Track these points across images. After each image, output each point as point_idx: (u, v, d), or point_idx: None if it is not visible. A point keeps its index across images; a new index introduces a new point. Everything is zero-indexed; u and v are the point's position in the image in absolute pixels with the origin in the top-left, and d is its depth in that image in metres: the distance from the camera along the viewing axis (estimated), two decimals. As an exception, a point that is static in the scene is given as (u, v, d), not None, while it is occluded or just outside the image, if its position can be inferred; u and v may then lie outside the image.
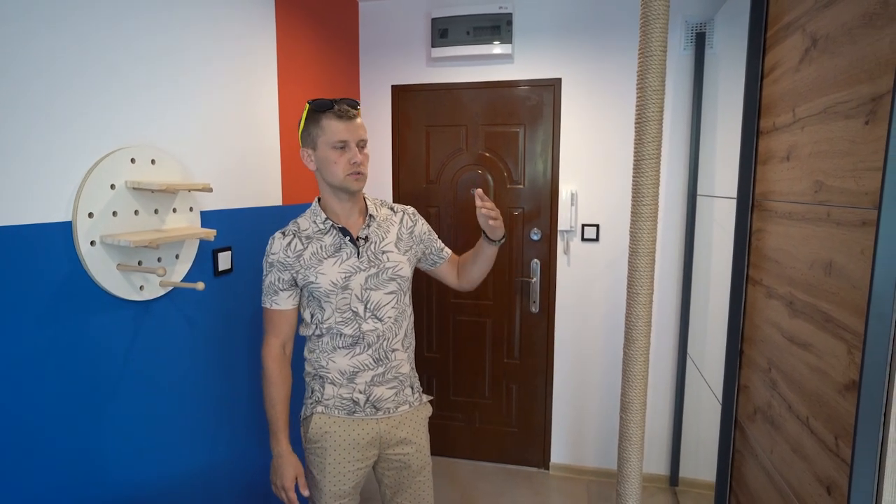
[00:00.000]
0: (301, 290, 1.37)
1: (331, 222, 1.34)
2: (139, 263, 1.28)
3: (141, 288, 1.30)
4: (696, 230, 2.28)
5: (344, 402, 1.37)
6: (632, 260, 1.25)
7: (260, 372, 1.37)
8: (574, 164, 2.47)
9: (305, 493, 1.34)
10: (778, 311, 1.36)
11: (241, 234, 1.72)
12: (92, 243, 1.16)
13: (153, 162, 1.31)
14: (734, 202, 1.65)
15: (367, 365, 1.36)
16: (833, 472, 1.03)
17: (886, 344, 0.88)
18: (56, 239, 1.10)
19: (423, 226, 1.48)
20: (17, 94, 1.01)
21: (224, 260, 1.63)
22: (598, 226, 2.47)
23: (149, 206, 1.31)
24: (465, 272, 1.49)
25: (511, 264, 2.60)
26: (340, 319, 1.34)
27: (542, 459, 2.69)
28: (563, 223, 2.48)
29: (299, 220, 1.39)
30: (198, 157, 1.52)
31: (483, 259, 1.44)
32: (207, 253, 1.56)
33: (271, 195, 1.90)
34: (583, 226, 2.49)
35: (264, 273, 1.37)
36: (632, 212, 1.24)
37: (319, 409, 1.38)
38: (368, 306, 1.35)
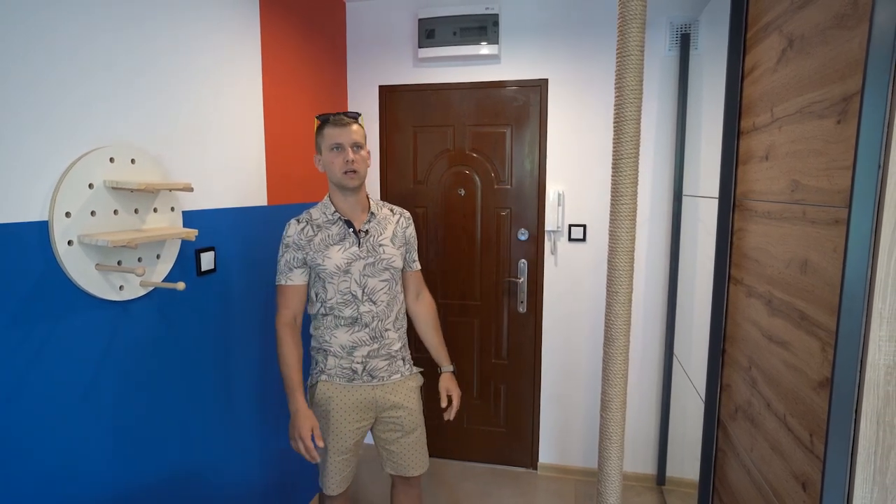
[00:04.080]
0: (310, 271, 1.58)
1: (338, 214, 1.56)
2: (118, 263, 1.28)
3: (120, 288, 1.29)
4: (681, 230, 2.29)
5: (344, 371, 1.59)
6: (611, 259, 1.26)
7: (275, 342, 1.56)
8: (561, 164, 2.47)
9: (321, 443, 1.51)
10: (757, 309, 1.37)
11: (225, 235, 1.71)
12: (69, 243, 1.15)
13: (133, 161, 1.31)
14: (717, 202, 1.66)
15: (364, 341, 1.58)
16: (808, 468, 1.04)
17: (857, 341, 0.89)
18: (32, 238, 1.09)
19: (412, 231, 1.70)
20: (-10, 93, 1.01)
21: (207, 260, 1.62)
22: (584, 226, 2.48)
23: (128, 205, 1.30)
24: (416, 322, 1.79)
25: (498, 265, 2.60)
26: (341, 300, 1.55)
27: (530, 459, 2.69)
28: (550, 223, 2.48)
29: (311, 210, 1.60)
30: (180, 156, 1.51)
31: (429, 346, 1.80)
32: (190, 253, 1.56)
33: (256, 195, 1.89)
34: (570, 226, 2.50)
35: (280, 254, 1.57)
36: (611, 211, 1.24)
37: (323, 377, 1.60)
38: (365, 291, 1.56)
